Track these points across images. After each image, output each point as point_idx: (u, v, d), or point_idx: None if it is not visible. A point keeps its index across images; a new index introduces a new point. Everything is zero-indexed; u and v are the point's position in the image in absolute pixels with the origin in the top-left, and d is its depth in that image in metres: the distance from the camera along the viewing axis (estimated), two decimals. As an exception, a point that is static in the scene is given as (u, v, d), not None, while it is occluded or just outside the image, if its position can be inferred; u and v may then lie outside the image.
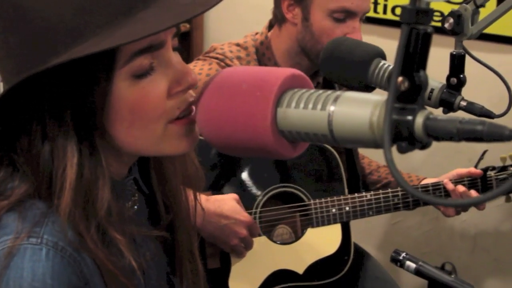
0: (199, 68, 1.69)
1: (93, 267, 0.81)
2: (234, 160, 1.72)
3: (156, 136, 0.82)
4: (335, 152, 1.78)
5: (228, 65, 1.69)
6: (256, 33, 1.82)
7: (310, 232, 1.75)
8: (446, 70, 1.14)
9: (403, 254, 1.23)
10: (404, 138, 0.63)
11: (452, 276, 1.19)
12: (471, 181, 1.79)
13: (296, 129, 0.71)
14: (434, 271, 1.19)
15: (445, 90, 1.12)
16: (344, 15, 1.64)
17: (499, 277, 2.44)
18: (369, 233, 2.53)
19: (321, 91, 0.71)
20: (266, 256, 1.72)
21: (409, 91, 0.63)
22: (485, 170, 1.80)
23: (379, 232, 2.61)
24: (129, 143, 0.83)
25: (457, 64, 1.14)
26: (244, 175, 1.72)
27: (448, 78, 1.14)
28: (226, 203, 1.59)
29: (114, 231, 0.82)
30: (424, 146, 0.64)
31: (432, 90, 1.12)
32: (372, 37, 2.09)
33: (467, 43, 1.15)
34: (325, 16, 1.65)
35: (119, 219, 0.83)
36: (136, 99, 0.79)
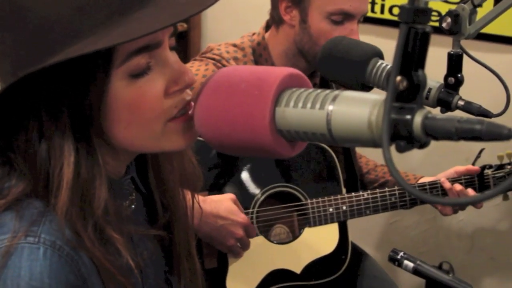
0: (195, 69, 1.69)
1: (91, 266, 0.81)
2: (231, 160, 1.72)
3: (155, 134, 0.82)
4: (332, 152, 1.78)
5: (225, 66, 1.69)
6: (253, 34, 1.81)
7: (308, 232, 1.75)
8: (443, 70, 1.14)
9: (401, 253, 1.23)
10: (403, 137, 0.63)
11: (450, 275, 1.19)
12: (468, 180, 1.80)
13: (295, 128, 0.71)
14: (432, 270, 1.20)
15: (442, 90, 1.12)
16: (342, 17, 1.64)
17: (496, 276, 2.45)
18: (366, 232, 2.53)
19: (319, 90, 0.71)
20: (263, 255, 1.72)
21: (408, 90, 0.63)
22: (482, 168, 1.81)
23: (377, 231, 2.61)
24: (128, 142, 0.83)
25: (454, 63, 1.14)
26: (241, 175, 1.72)
27: (445, 78, 1.14)
28: (222, 203, 1.59)
29: (112, 230, 0.82)
30: (422, 145, 0.64)
31: (429, 90, 1.12)
32: (370, 36, 2.09)
33: (464, 43, 1.15)
34: (323, 19, 1.65)
35: (117, 218, 0.83)
36: (133, 98, 0.79)
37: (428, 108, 0.66)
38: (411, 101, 0.63)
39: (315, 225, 1.75)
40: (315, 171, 1.78)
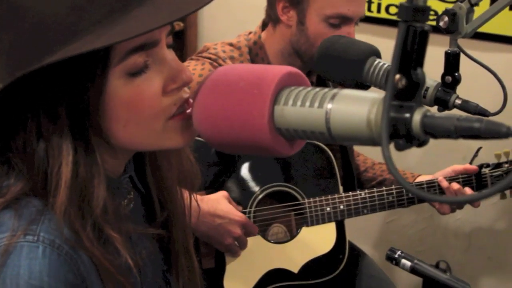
0: (192, 68, 1.69)
1: (90, 265, 0.81)
2: (229, 159, 1.72)
3: (155, 132, 0.82)
4: (329, 151, 1.78)
5: (221, 66, 1.68)
6: (250, 33, 1.81)
7: (305, 231, 1.75)
8: (441, 69, 1.14)
9: (399, 252, 1.24)
10: (402, 135, 0.63)
11: (447, 274, 1.20)
12: (466, 179, 1.80)
13: (294, 127, 0.71)
14: (429, 269, 1.20)
15: (440, 89, 1.12)
16: (340, 21, 1.64)
17: (493, 275, 2.45)
18: (364, 231, 2.53)
19: (318, 89, 0.71)
20: (261, 255, 1.72)
21: (407, 89, 0.63)
22: (480, 167, 1.81)
23: (374, 230, 2.61)
24: (126, 140, 0.83)
25: (452, 62, 1.15)
26: (239, 174, 1.72)
27: (443, 77, 1.14)
28: (219, 202, 1.59)
29: (110, 229, 0.82)
30: (421, 143, 0.64)
31: (427, 89, 1.12)
32: (366, 35, 2.09)
33: (461, 42, 1.16)
34: (320, 21, 1.65)
35: (115, 217, 0.83)
36: (131, 97, 0.79)
37: (426, 107, 0.66)
38: (410, 100, 0.63)
39: (312, 224, 1.75)
40: (312, 170, 1.78)
